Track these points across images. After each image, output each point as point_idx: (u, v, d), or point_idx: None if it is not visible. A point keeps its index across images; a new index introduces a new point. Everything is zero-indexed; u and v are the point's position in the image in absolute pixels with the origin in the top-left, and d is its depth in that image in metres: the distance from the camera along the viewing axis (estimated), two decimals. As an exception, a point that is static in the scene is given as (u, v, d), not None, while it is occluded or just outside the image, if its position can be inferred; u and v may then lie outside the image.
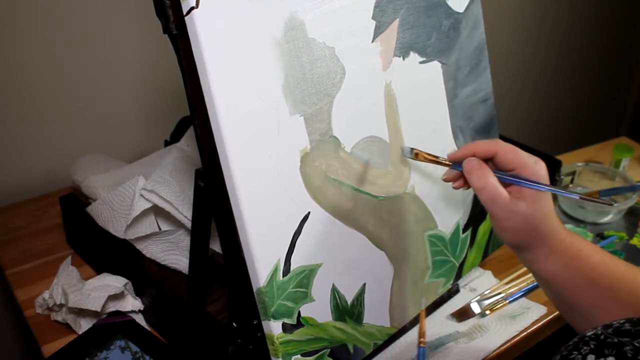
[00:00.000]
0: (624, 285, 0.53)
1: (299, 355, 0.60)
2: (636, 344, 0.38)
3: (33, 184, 1.06)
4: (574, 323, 0.58)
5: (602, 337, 0.40)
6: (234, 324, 0.61)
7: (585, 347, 0.40)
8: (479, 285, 0.85)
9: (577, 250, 0.55)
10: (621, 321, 0.41)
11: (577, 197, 0.57)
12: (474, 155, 0.57)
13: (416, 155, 0.64)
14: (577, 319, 0.57)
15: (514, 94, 1.75)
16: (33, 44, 0.98)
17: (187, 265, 0.73)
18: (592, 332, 0.41)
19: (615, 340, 0.39)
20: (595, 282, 0.54)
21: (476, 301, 0.81)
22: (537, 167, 0.55)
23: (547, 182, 0.55)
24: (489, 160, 0.57)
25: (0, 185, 1.03)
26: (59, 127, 1.06)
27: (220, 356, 0.64)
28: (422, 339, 0.64)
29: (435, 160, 0.62)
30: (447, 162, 0.60)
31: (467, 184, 0.59)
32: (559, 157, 1.06)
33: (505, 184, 0.56)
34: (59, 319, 0.77)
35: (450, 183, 0.61)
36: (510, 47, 1.67)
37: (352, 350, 0.66)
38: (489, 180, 0.55)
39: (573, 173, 1.10)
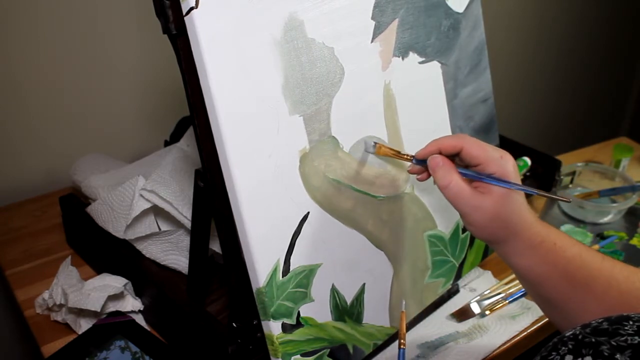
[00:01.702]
0: (600, 280, 0.53)
1: (298, 356, 0.60)
2: (613, 343, 0.38)
3: (33, 184, 1.06)
4: (551, 317, 0.58)
5: (580, 337, 0.40)
6: (234, 324, 0.61)
7: (563, 348, 0.40)
8: (478, 285, 0.85)
9: (552, 244, 0.54)
10: (599, 320, 0.41)
11: (536, 194, 0.57)
12: (439, 152, 0.57)
13: (379, 148, 0.63)
14: (554, 313, 0.57)
15: (514, 94, 1.75)
16: (33, 44, 0.98)
17: (187, 266, 0.73)
18: (570, 333, 0.41)
19: (593, 339, 0.39)
20: (570, 276, 0.54)
21: (476, 301, 0.81)
22: (503, 162, 0.55)
23: (516, 175, 0.55)
24: (456, 156, 0.57)
25: (0, 185, 1.03)
26: (59, 127, 1.06)
27: (220, 356, 0.64)
28: (402, 341, 0.64)
29: (397, 155, 0.62)
30: (409, 158, 0.61)
31: (429, 176, 0.59)
32: (559, 157, 1.06)
33: (472, 180, 0.56)
34: (59, 319, 0.77)
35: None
36: (510, 47, 1.67)
37: (351, 351, 0.66)
38: (453, 177, 0.55)
39: (573, 173, 1.10)
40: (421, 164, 0.59)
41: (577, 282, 0.53)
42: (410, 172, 0.62)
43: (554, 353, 0.40)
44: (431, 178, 0.58)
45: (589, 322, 0.42)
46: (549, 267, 0.54)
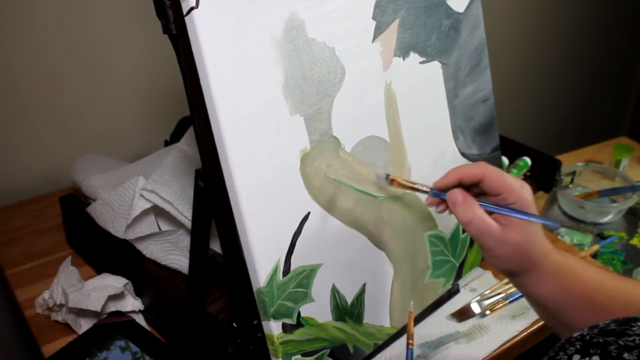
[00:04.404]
0: (619, 299, 0.53)
1: (299, 356, 0.60)
2: (621, 343, 0.38)
3: (33, 184, 1.06)
4: None
5: (587, 337, 0.40)
6: (234, 324, 0.61)
7: (571, 348, 0.40)
8: (479, 285, 0.85)
9: (570, 271, 0.54)
10: (607, 322, 0.41)
11: (559, 225, 0.56)
12: (460, 182, 0.56)
13: (392, 182, 0.61)
14: None
15: (514, 94, 1.75)
16: (33, 44, 0.98)
17: (187, 265, 0.73)
18: (578, 334, 0.41)
19: (601, 340, 0.39)
20: (590, 300, 0.54)
21: (476, 301, 0.81)
22: (523, 191, 0.54)
23: (533, 205, 0.54)
24: (475, 185, 0.56)
25: (0, 185, 1.03)
26: (59, 127, 1.06)
27: (220, 356, 0.64)
28: (410, 341, 0.64)
29: (413, 188, 0.60)
30: (425, 190, 0.58)
31: (448, 209, 0.57)
32: (559, 157, 1.06)
33: (490, 212, 0.55)
34: (59, 319, 0.77)
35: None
36: (511, 47, 1.67)
37: (352, 350, 0.66)
38: (476, 214, 0.54)
39: (573, 173, 1.10)
40: (439, 195, 0.57)
41: (597, 305, 0.53)
42: (429, 204, 0.59)
43: (561, 353, 0.40)
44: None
45: (597, 324, 0.42)
46: (569, 293, 0.54)
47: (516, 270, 0.56)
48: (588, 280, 0.54)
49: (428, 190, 0.58)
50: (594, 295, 0.54)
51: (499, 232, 0.54)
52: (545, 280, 0.55)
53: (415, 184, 0.59)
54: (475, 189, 0.56)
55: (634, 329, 0.39)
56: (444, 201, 0.57)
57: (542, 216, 0.54)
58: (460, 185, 0.56)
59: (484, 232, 0.54)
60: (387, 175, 0.61)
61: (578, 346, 0.40)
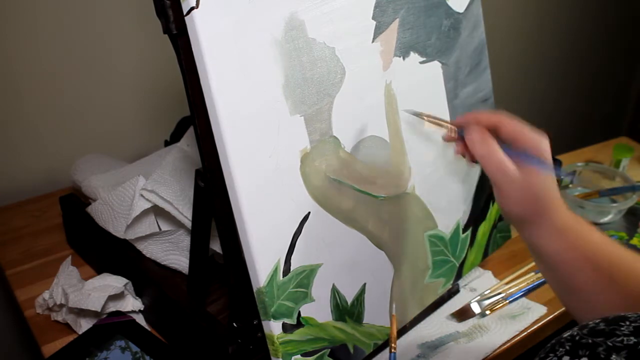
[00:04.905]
0: (622, 269, 0.53)
1: (299, 355, 0.60)
2: (609, 344, 0.38)
3: (33, 184, 1.06)
4: (568, 304, 0.58)
5: (577, 338, 0.40)
6: (234, 324, 0.61)
7: (561, 349, 0.40)
8: (479, 285, 0.85)
9: (579, 231, 0.55)
10: (597, 321, 0.41)
11: (570, 178, 0.57)
12: (477, 124, 0.57)
13: (419, 115, 0.65)
14: (573, 300, 0.57)
15: (514, 94, 1.75)
16: (33, 44, 0.98)
17: (187, 265, 0.73)
18: (568, 334, 0.41)
19: (590, 340, 0.39)
20: (594, 263, 0.54)
21: (476, 301, 0.81)
22: (540, 142, 0.55)
23: (549, 156, 0.54)
24: (492, 132, 0.56)
25: (0, 185, 1.03)
26: (59, 127, 1.06)
27: (220, 356, 0.64)
28: (393, 344, 0.64)
29: (438, 122, 0.62)
30: (451, 125, 0.60)
31: (466, 150, 0.58)
32: (559, 157, 1.06)
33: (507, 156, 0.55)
34: (59, 319, 0.77)
35: (451, 182, 0.61)
36: (511, 47, 1.67)
37: (352, 350, 0.66)
38: (494, 148, 0.54)
39: (573, 173, 1.10)
40: (461, 133, 0.58)
41: (601, 270, 0.53)
42: (447, 139, 0.61)
43: (551, 354, 0.40)
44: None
45: (587, 323, 0.42)
46: (577, 252, 0.54)
47: (525, 218, 0.55)
48: (595, 243, 0.54)
49: (452, 126, 0.60)
50: (599, 260, 0.54)
51: (514, 172, 0.53)
52: (553, 235, 0.55)
53: (441, 120, 0.62)
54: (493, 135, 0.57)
55: (622, 329, 0.39)
56: (462, 141, 0.58)
57: (550, 166, 0.54)
58: None
59: (499, 167, 0.54)
60: (419, 114, 0.65)
61: (568, 347, 0.40)
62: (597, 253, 0.54)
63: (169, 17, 0.51)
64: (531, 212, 0.55)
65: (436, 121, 0.63)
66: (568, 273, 0.55)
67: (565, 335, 0.41)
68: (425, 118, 0.64)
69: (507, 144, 0.55)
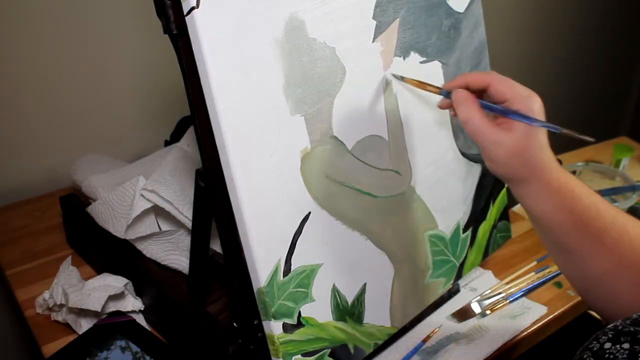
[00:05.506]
0: (612, 232, 0.53)
1: (299, 355, 0.60)
2: None
3: (33, 184, 1.06)
4: (560, 263, 0.59)
5: (620, 327, 0.43)
6: (235, 324, 0.61)
7: (603, 337, 0.43)
8: (479, 285, 0.85)
9: (571, 191, 0.54)
10: (639, 314, 0.44)
11: (558, 131, 0.56)
12: (466, 86, 0.57)
13: (403, 79, 0.65)
14: (563, 259, 0.57)
15: (514, 94, 1.74)
16: (33, 44, 0.98)
17: (188, 265, 0.73)
18: (612, 325, 0.44)
19: (632, 329, 0.42)
20: (584, 225, 0.53)
21: (476, 301, 0.81)
22: (530, 101, 0.54)
23: (541, 116, 0.54)
24: (483, 92, 0.57)
25: (0, 185, 1.03)
26: (59, 127, 1.06)
27: (221, 356, 0.64)
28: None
29: (423, 86, 0.63)
30: (435, 89, 0.61)
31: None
32: (559, 157, 1.06)
33: (497, 116, 0.55)
34: (59, 319, 0.77)
35: (451, 182, 0.61)
36: (511, 48, 1.67)
37: (352, 350, 0.66)
38: (474, 113, 0.55)
39: (573, 173, 1.10)
40: (448, 96, 0.59)
41: (590, 232, 0.53)
42: (440, 107, 0.63)
43: (594, 342, 0.43)
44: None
45: (630, 315, 0.44)
46: (565, 214, 0.54)
47: (512, 177, 0.56)
48: (587, 205, 0.54)
49: (438, 90, 0.61)
50: (589, 222, 0.53)
51: (496, 134, 0.54)
52: (545, 195, 0.54)
53: (426, 83, 0.63)
54: (484, 96, 0.57)
55: None
56: (448, 102, 0.60)
57: (537, 120, 0.54)
58: (467, 89, 0.57)
59: (479, 131, 0.54)
60: (402, 77, 0.66)
61: (610, 335, 0.43)
62: (586, 215, 0.53)
63: (169, 17, 0.51)
64: (519, 173, 0.55)
65: (419, 84, 0.63)
66: (558, 233, 0.55)
67: (609, 326, 0.44)
68: (408, 81, 0.65)
69: (499, 103, 0.56)
